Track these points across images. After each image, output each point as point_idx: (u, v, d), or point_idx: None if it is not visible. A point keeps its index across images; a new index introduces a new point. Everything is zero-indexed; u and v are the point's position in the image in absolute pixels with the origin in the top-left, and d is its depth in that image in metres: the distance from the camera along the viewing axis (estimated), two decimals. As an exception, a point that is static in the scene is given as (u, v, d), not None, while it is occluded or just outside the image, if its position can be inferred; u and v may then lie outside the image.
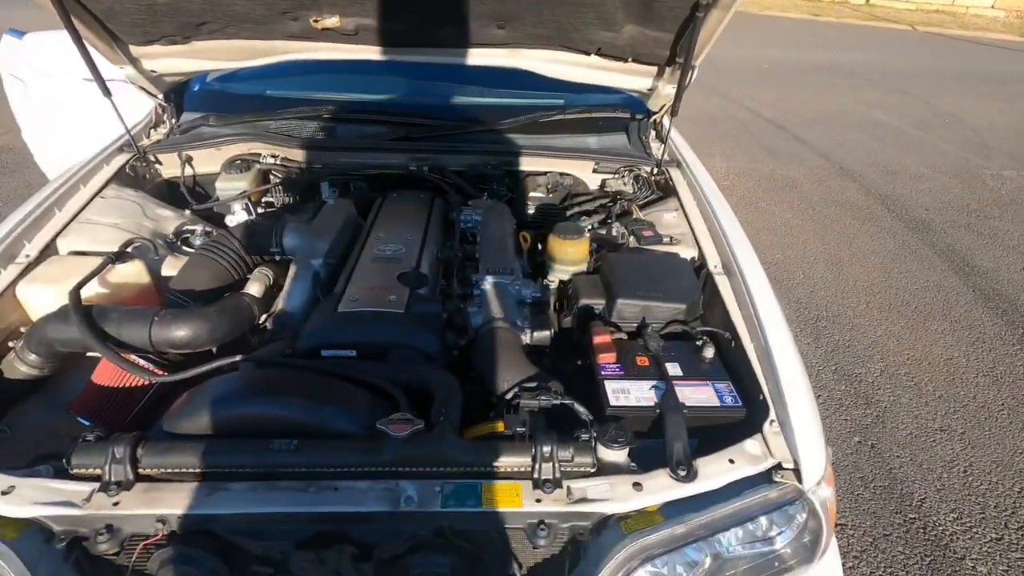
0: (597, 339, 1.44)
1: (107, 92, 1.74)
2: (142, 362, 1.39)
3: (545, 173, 2.18)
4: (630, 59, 1.87)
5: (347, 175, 2.15)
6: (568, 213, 2.09)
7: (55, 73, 3.17)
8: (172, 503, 1.05)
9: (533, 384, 1.32)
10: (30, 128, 3.43)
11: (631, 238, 1.83)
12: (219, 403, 1.20)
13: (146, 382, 1.49)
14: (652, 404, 1.30)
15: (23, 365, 1.42)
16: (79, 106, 2.95)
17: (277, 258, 1.74)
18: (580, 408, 1.22)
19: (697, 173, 2.07)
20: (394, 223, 1.89)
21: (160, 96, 2.13)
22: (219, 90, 2.41)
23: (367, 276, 1.60)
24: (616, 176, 2.22)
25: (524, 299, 1.61)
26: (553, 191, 2.17)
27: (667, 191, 2.11)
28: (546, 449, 1.09)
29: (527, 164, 2.20)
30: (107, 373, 1.49)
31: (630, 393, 1.32)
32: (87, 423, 1.48)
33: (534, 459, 1.10)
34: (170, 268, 1.71)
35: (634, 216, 1.93)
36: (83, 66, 1.68)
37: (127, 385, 1.48)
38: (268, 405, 1.19)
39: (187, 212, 1.98)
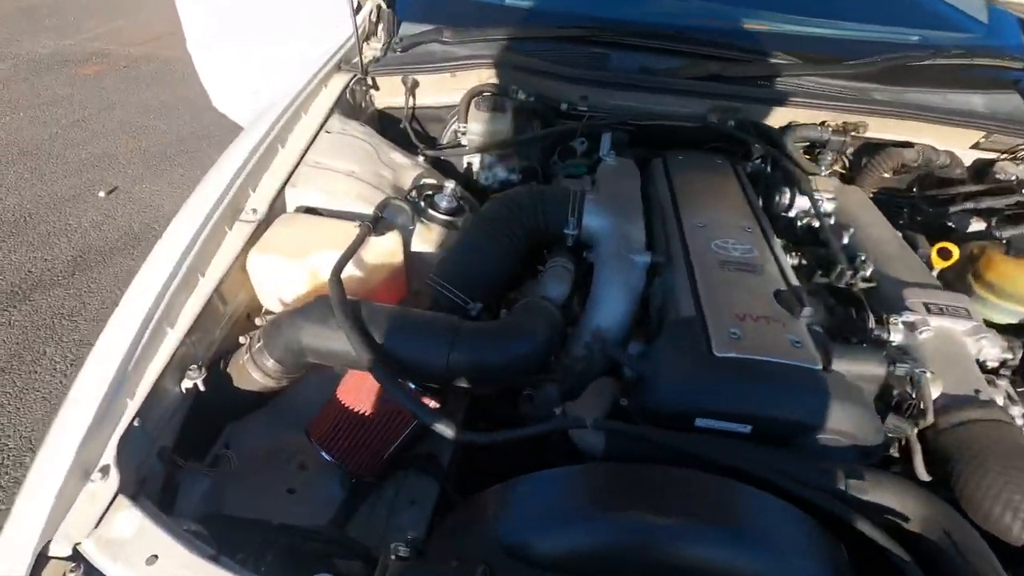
0: None
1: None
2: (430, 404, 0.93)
3: (911, 145, 1.50)
4: None
5: (621, 125, 1.56)
6: (952, 209, 1.42)
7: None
8: None
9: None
10: (197, 34, 3.06)
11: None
12: (578, 519, 0.72)
13: (404, 414, 1.05)
14: None
15: (258, 372, 1.00)
16: (261, 10, 2.52)
17: (569, 243, 1.21)
18: None
19: None
20: (707, 204, 1.31)
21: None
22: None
23: (721, 292, 1.04)
24: (1012, 157, 1.50)
25: (985, 363, 1.01)
26: (922, 170, 1.50)
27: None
28: None
29: (880, 129, 1.52)
30: (355, 393, 1.06)
31: None
32: (328, 457, 1.07)
33: None
34: (423, 242, 1.24)
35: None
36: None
37: (384, 412, 1.05)
38: (683, 539, 0.69)
39: (420, 159, 1.49)
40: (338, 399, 1.07)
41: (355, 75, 1.56)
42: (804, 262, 1.26)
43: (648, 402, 0.92)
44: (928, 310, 1.02)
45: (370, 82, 1.64)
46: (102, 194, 3.32)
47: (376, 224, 1.11)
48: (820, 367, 0.91)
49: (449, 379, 0.92)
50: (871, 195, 1.54)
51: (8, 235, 2.95)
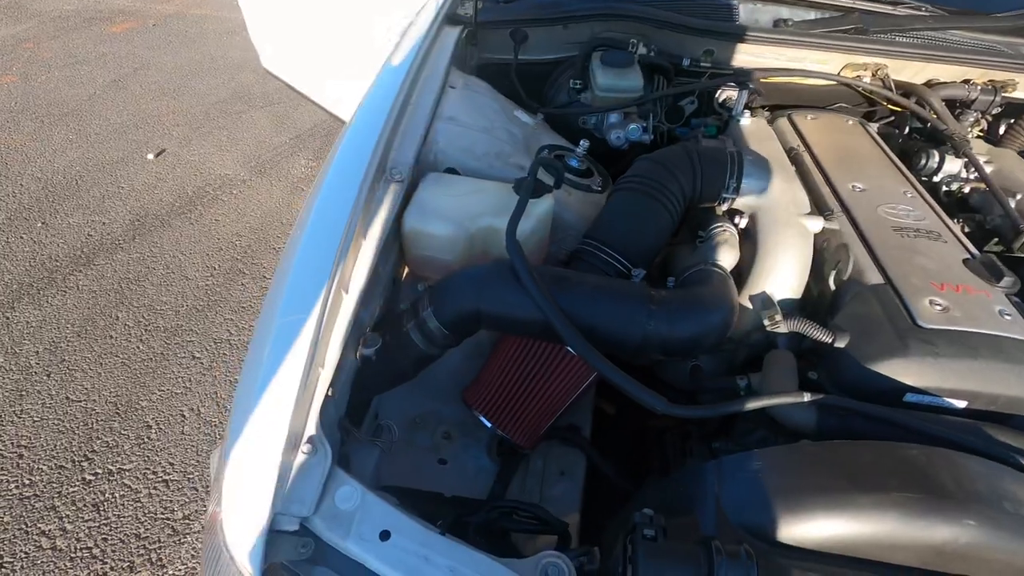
0: None
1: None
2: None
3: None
4: None
5: (747, 81, 1.47)
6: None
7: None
8: None
9: None
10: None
11: None
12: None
13: (569, 380, 1.01)
14: None
15: (424, 341, 0.95)
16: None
17: (724, 207, 1.15)
18: None
19: None
20: (855, 166, 1.24)
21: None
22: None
23: (906, 260, 0.98)
24: None
25: None
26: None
27: None
28: None
29: (1028, 89, 1.43)
30: (517, 361, 1.02)
31: None
32: (489, 425, 1.04)
33: None
34: (560, 205, 1.17)
35: None
36: None
37: (547, 381, 1.01)
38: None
39: (540, 117, 1.41)
40: (498, 365, 1.03)
41: (465, 28, 1.47)
42: (966, 230, 1.19)
43: (848, 376, 0.87)
44: None
45: (478, 35, 1.55)
46: (151, 156, 3.25)
47: (537, 185, 1.04)
48: (1041, 341, 0.86)
49: (643, 350, 0.87)
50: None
51: (63, 197, 2.90)
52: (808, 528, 0.67)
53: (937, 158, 1.32)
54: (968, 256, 1.00)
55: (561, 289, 0.87)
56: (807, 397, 0.80)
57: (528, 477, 1.11)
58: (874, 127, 1.50)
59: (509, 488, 1.07)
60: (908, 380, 0.83)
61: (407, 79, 1.21)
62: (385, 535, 0.67)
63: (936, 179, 1.34)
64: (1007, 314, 0.88)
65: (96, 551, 1.65)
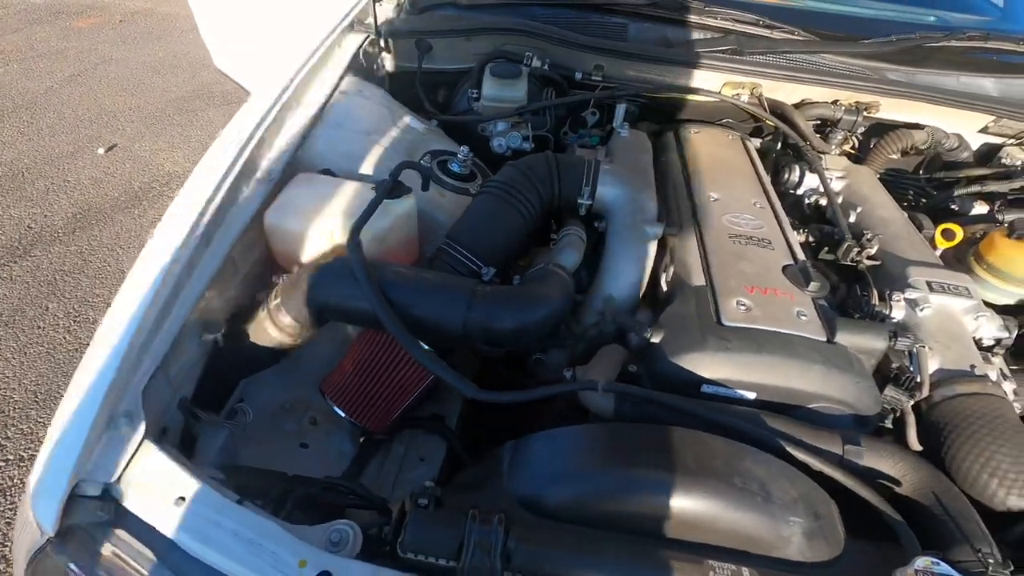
0: None
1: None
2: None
3: (921, 127, 1.51)
4: None
5: (635, 97, 1.56)
6: (957, 192, 1.43)
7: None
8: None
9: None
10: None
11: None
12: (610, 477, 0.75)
13: (418, 369, 1.08)
14: None
15: (275, 330, 1.02)
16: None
17: (581, 212, 1.22)
18: None
19: None
20: (719, 178, 1.33)
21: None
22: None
23: (731, 264, 1.07)
24: (1020, 143, 1.52)
25: (981, 341, 1.04)
26: (930, 153, 1.51)
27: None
28: None
29: (891, 109, 1.53)
30: (369, 351, 1.08)
31: None
32: (342, 413, 1.10)
33: None
34: (436, 207, 1.24)
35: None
36: None
37: (396, 370, 1.07)
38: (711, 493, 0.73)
39: (434, 124, 1.49)
40: (352, 356, 1.09)
41: (368, 36, 1.54)
42: (811, 239, 1.28)
43: (657, 368, 0.95)
44: (930, 288, 1.04)
45: (383, 44, 1.62)
46: (101, 151, 3.27)
47: (393, 187, 1.11)
48: (824, 339, 0.94)
49: (465, 340, 0.94)
50: (879, 175, 1.55)
51: (6, 190, 2.92)
52: (567, 499, 0.74)
53: (798, 172, 1.41)
54: (790, 263, 1.08)
55: (392, 283, 0.94)
56: (600, 386, 0.87)
57: (388, 462, 1.17)
58: (756, 142, 1.60)
59: (367, 471, 1.13)
60: (705, 373, 0.91)
61: (292, 83, 1.27)
62: (179, 501, 0.73)
63: (799, 192, 1.43)
64: (804, 315, 0.97)
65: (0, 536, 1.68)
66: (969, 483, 0.85)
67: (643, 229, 1.14)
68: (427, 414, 1.21)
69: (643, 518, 0.72)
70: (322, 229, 1.07)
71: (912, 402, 0.94)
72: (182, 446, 0.94)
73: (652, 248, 1.13)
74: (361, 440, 1.17)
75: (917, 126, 1.50)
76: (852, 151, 1.59)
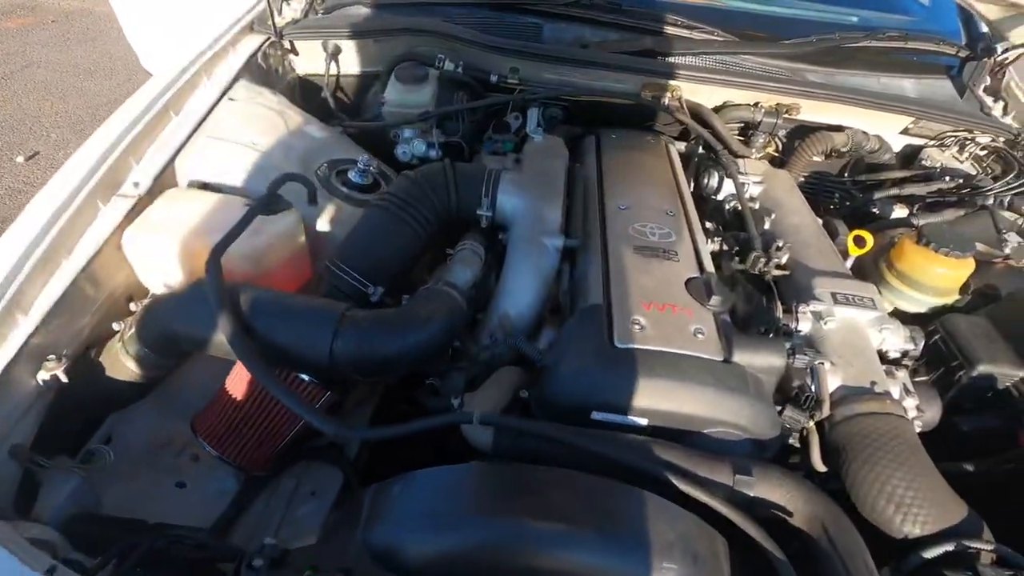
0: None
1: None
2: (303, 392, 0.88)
3: (842, 129, 1.48)
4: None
5: (553, 100, 1.50)
6: (877, 195, 1.41)
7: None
8: None
9: (974, 539, 0.75)
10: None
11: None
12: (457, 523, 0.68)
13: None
14: None
15: (131, 361, 0.92)
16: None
17: (483, 224, 1.15)
18: None
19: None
20: (633, 185, 1.27)
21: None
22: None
23: (632, 279, 1.01)
24: (939, 144, 1.50)
25: (887, 353, 1.01)
26: (852, 155, 1.48)
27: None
28: None
29: (813, 111, 1.50)
30: (242, 385, 0.99)
31: None
32: (214, 453, 1.01)
33: None
34: (331, 221, 1.16)
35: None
36: None
37: (269, 408, 0.99)
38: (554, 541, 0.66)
39: (339, 131, 1.40)
40: (225, 391, 1.00)
41: (268, 37, 1.45)
42: (726, 247, 1.24)
43: (547, 394, 0.89)
44: (835, 300, 1.00)
45: (287, 46, 1.53)
46: (21, 159, 3.09)
47: (271, 202, 1.02)
48: (720, 359, 0.89)
49: (334, 370, 0.86)
50: (801, 179, 1.52)
51: (-88, 202, 2.73)
52: (427, 553, 0.67)
53: (716, 178, 1.37)
54: (695, 275, 1.03)
55: (253, 308, 0.86)
56: (475, 418, 0.80)
57: (275, 498, 1.08)
58: (681, 146, 1.55)
59: (250, 510, 1.04)
60: (594, 398, 0.85)
61: (170, 89, 1.18)
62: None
63: (719, 197, 1.39)
64: (701, 333, 0.91)
65: None
66: (868, 508, 0.81)
67: (541, 242, 1.08)
68: (324, 443, 1.13)
69: (495, 568, 0.66)
70: (189, 250, 0.98)
71: (813, 422, 0.90)
72: (20, 497, 0.84)
73: (552, 261, 1.07)
74: (245, 476, 1.08)
75: (839, 128, 1.48)
76: (776, 154, 1.55)
